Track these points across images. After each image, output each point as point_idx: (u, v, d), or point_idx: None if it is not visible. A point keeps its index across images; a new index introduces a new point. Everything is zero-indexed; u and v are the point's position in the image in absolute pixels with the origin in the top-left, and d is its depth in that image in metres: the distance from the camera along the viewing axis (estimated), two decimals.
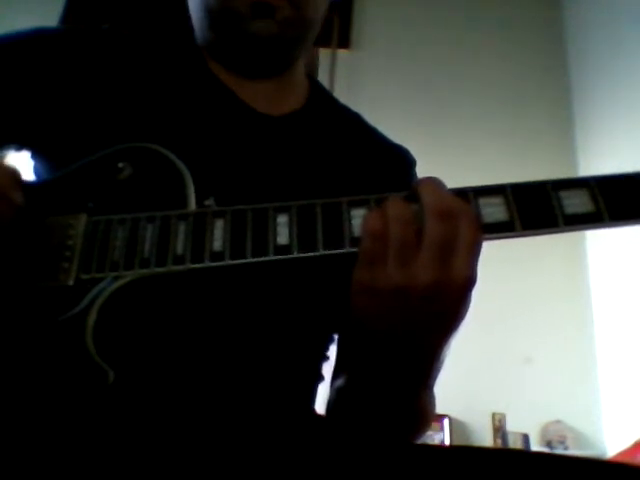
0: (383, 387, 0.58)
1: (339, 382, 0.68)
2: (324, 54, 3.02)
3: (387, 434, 0.62)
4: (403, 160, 0.82)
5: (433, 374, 0.59)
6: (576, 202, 0.49)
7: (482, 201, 0.50)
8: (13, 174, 0.56)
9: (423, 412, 0.65)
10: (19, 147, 0.69)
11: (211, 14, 0.71)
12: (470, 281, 0.48)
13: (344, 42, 3.13)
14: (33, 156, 0.69)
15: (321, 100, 0.81)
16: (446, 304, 0.48)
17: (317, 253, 0.50)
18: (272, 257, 0.50)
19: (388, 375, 0.57)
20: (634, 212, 0.48)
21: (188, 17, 0.78)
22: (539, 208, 0.49)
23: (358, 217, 0.50)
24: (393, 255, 0.47)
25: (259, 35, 0.69)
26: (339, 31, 3.09)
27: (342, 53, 3.10)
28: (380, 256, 0.47)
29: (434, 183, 0.49)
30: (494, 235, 0.49)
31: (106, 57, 0.71)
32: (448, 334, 0.53)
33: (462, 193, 0.50)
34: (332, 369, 0.72)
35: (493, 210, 0.49)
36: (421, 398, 0.62)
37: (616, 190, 0.49)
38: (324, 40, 2.99)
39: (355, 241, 0.50)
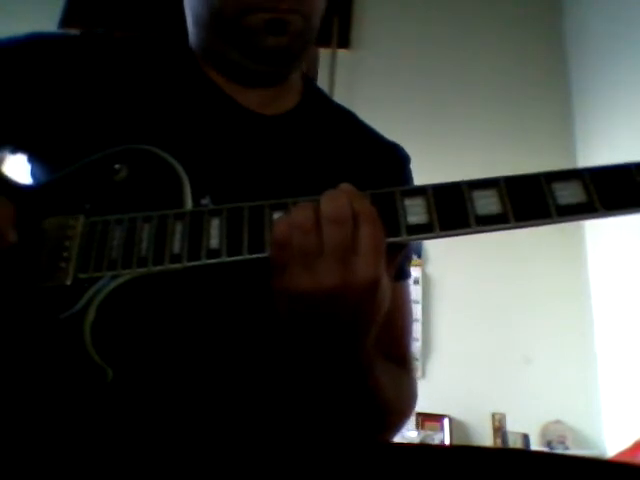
0: (320, 382, 0.59)
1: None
2: (324, 54, 3.02)
3: (350, 429, 0.63)
4: (397, 157, 0.82)
5: (365, 369, 0.59)
6: (569, 193, 0.49)
7: (476, 194, 0.50)
8: (8, 211, 0.55)
9: (385, 406, 0.65)
10: (14, 150, 0.69)
11: (222, 26, 0.70)
12: (373, 281, 0.49)
13: (344, 42, 3.13)
14: (30, 160, 0.69)
15: (314, 99, 0.81)
16: (354, 305, 0.50)
17: None
18: (268, 253, 0.50)
19: (320, 371, 0.58)
20: (626, 202, 0.48)
21: (183, 20, 0.78)
22: (532, 200, 0.49)
23: None
24: (298, 262, 0.49)
25: (270, 50, 0.69)
26: (339, 31, 3.10)
27: (342, 53, 3.10)
28: (287, 263, 0.49)
29: (334, 191, 0.51)
30: (488, 227, 0.49)
31: (101, 61, 0.71)
32: (365, 330, 0.54)
33: (381, 196, 0.51)
34: None
35: (487, 202, 0.50)
36: (376, 392, 0.62)
37: (608, 180, 0.49)
38: (324, 40, 2.99)
39: None
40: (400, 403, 0.68)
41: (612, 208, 0.48)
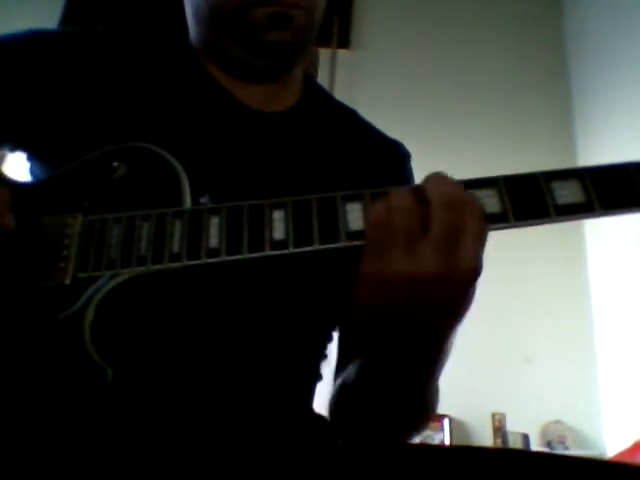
0: (391, 375, 0.58)
1: (342, 378, 0.68)
2: (324, 54, 3.02)
3: (392, 425, 0.62)
4: (397, 154, 0.82)
5: (439, 363, 0.59)
6: (568, 192, 0.49)
7: (475, 193, 0.50)
8: (4, 198, 0.54)
9: (428, 403, 0.65)
10: (13, 147, 0.69)
11: (223, 21, 0.70)
12: (475, 271, 0.48)
13: (344, 42, 3.13)
14: (29, 157, 0.69)
15: (315, 96, 0.81)
16: (452, 293, 0.49)
17: (313, 248, 0.50)
18: (268, 252, 0.50)
19: (395, 364, 0.57)
20: (624, 201, 0.49)
21: (183, 18, 0.78)
22: (531, 199, 0.50)
23: (353, 211, 0.51)
24: (399, 244, 0.47)
25: (273, 45, 0.69)
26: (339, 31, 3.10)
27: (342, 53, 3.10)
28: (386, 246, 0.48)
29: (439, 175, 0.50)
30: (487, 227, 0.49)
31: (101, 58, 0.71)
32: (453, 323, 0.53)
33: (466, 186, 0.51)
34: (334, 367, 0.72)
35: (486, 202, 0.50)
36: (427, 388, 0.62)
37: (607, 180, 0.50)
38: (324, 40, 2.99)
39: (350, 235, 0.50)
40: (434, 410, 0.68)
41: (610, 208, 0.49)
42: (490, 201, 0.50)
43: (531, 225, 0.49)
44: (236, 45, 0.70)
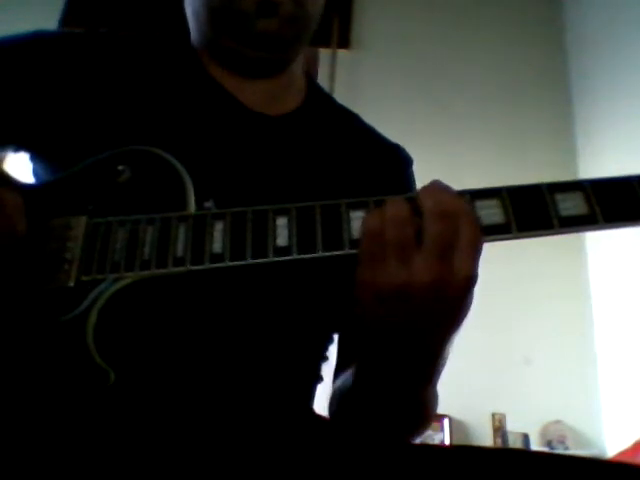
0: (388, 383, 0.58)
1: (341, 381, 0.68)
2: (324, 54, 3.02)
3: (391, 429, 0.63)
4: (400, 159, 0.82)
5: (437, 370, 0.59)
6: (571, 205, 0.50)
7: (479, 203, 0.51)
8: (18, 203, 0.55)
9: (426, 407, 0.65)
10: (17, 148, 0.69)
11: (214, 13, 0.71)
12: (471, 279, 0.48)
13: (344, 42, 3.13)
14: (32, 158, 0.69)
15: (318, 99, 0.81)
16: (447, 302, 0.49)
17: (316, 255, 0.50)
18: (272, 259, 0.50)
19: (392, 372, 0.57)
20: (627, 214, 0.49)
21: (184, 19, 0.78)
22: (535, 210, 0.50)
23: (357, 219, 0.51)
24: (393, 255, 0.48)
25: (262, 33, 0.70)
26: (339, 31, 3.10)
27: (342, 53, 3.10)
28: (380, 256, 0.48)
29: (434, 185, 0.50)
30: (490, 237, 0.50)
31: (104, 60, 0.71)
32: (451, 331, 0.54)
33: (461, 195, 0.51)
34: (333, 370, 0.73)
35: (489, 212, 0.50)
36: (425, 394, 0.62)
37: (610, 193, 0.50)
38: (324, 40, 3.00)
39: (354, 243, 0.50)
40: (432, 413, 0.68)
41: (613, 220, 0.49)
42: (493, 211, 0.50)
43: (534, 236, 0.50)
44: (229, 36, 0.72)
